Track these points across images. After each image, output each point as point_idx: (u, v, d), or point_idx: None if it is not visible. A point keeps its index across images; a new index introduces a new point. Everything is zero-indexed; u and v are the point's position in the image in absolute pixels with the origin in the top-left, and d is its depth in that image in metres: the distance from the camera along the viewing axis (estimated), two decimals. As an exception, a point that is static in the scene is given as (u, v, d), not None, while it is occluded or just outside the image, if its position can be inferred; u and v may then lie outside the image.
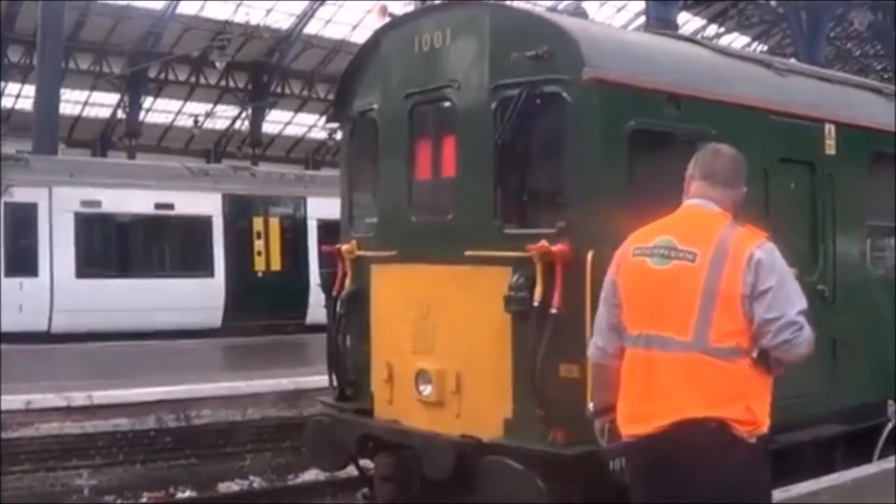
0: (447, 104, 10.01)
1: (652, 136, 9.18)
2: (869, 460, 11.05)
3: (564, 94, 8.94)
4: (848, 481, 9.67)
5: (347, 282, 10.94)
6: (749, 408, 5.07)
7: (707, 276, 5.11)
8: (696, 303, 5.10)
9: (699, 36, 37.52)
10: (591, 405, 5.91)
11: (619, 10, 56.03)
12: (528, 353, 8.78)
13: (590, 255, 8.49)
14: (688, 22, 54.01)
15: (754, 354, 5.10)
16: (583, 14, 10.54)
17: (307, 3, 52.68)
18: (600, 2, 53.53)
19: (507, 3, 10.27)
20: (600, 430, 5.86)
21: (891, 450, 11.17)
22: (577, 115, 8.88)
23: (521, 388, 8.99)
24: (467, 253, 9.43)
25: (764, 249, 5.18)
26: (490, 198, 9.45)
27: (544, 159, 9.73)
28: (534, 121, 9.32)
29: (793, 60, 17.39)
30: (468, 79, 9.70)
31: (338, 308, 10.99)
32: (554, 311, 8.62)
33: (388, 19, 11.15)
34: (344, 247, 10.96)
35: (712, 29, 58.32)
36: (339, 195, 11.64)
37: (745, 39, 59.10)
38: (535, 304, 8.73)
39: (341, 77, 11.51)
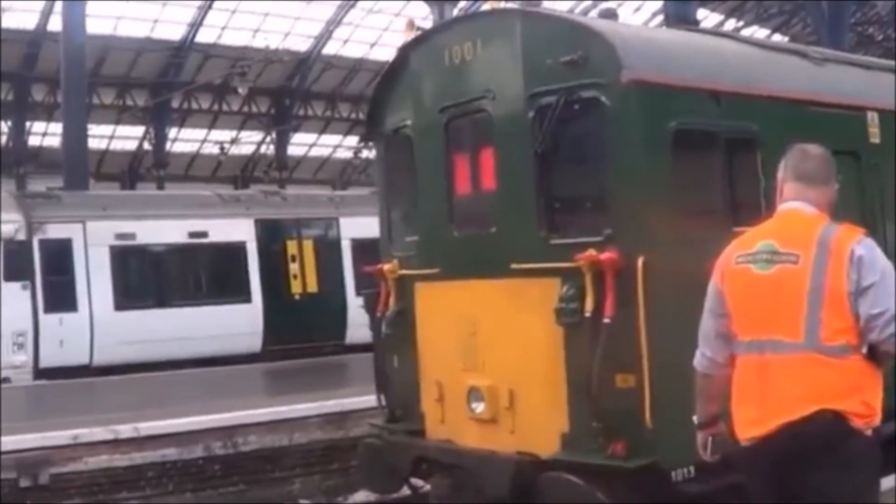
0: (483, 115, 9.84)
1: (694, 136, 9.02)
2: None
3: (603, 99, 8.77)
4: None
5: (391, 301, 10.80)
6: (864, 401, 5.08)
7: (812, 277, 5.10)
8: (804, 304, 5.10)
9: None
10: (695, 418, 5.79)
11: (636, 10, 55.81)
12: (582, 365, 8.61)
13: (640, 261, 8.33)
14: (706, 18, 53.72)
15: (864, 350, 5.08)
16: (613, 16, 10.39)
17: (324, 24, 52.76)
18: (617, 2, 53.28)
19: (536, 8, 10.04)
20: (703, 443, 5.80)
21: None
22: (618, 119, 8.72)
23: (576, 401, 8.82)
24: (513, 266, 9.30)
25: (864, 245, 5.16)
26: (533, 208, 9.29)
27: (586, 166, 9.53)
28: (573, 127, 9.15)
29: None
30: (503, 88, 9.55)
31: (383, 329, 10.83)
32: (607, 320, 8.44)
33: (416, 33, 10.99)
34: (386, 266, 10.82)
35: (731, 23, 58.04)
36: (378, 214, 11.51)
37: (764, 32, 58.80)
38: (587, 314, 8.56)
39: (372, 95, 11.41)
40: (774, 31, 59.01)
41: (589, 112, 8.98)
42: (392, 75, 11.02)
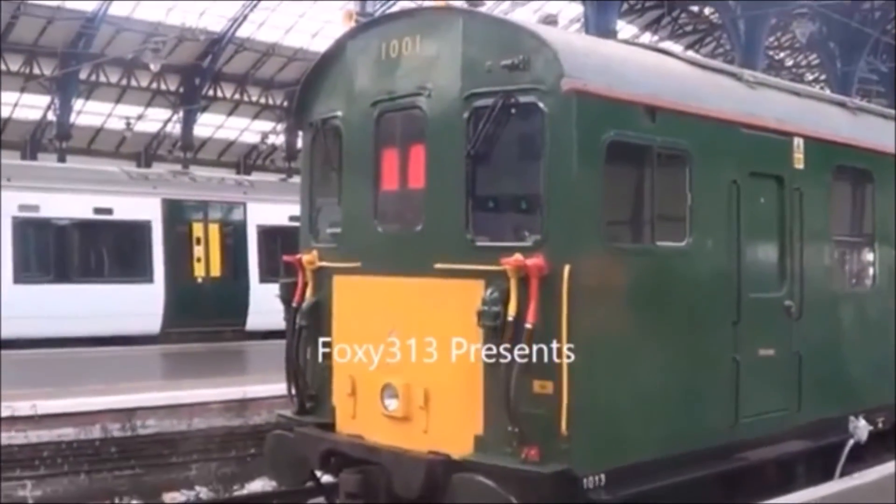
0: (416, 112, 9.73)
1: (627, 148, 9.05)
2: (830, 477, 10.98)
3: (541, 105, 8.75)
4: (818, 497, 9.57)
5: (308, 293, 10.66)
6: None
7: None
8: None
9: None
10: None
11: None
12: (500, 369, 8.59)
13: (566, 269, 8.34)
14: (622, 30, 54.16)
15: None
16: (553, 22, 10.39)
17: (240, 5, 52.15)
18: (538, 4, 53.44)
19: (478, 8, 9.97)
20: None
21: (851, 467, 11.12)
22: (554, 126, 8.70)
23: (492, 404, 8.80)
24: (437, 265, 9.24)
25: None
26: (461, 209, 9.23)
27: (519, 170, 9.47)
28: (508, 131, 9.09)
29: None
30: (439, 87, 9.47)
31: (297, 319, 10.69)
32: (529, 325, 8.44)
33: (354, 24, 10.86)
34: (305, 257, 10.68)
35: (646, 37, 58.60)
36: (300, 202, 11.38)
37: (678, 48, 59.45)
38: (510, 318, 8.55)
39: (303, 82, 11.19)
40: (688, 48, 59.78)
41: (526, 117, 8.96)
42: (326, 64, 10.85)
